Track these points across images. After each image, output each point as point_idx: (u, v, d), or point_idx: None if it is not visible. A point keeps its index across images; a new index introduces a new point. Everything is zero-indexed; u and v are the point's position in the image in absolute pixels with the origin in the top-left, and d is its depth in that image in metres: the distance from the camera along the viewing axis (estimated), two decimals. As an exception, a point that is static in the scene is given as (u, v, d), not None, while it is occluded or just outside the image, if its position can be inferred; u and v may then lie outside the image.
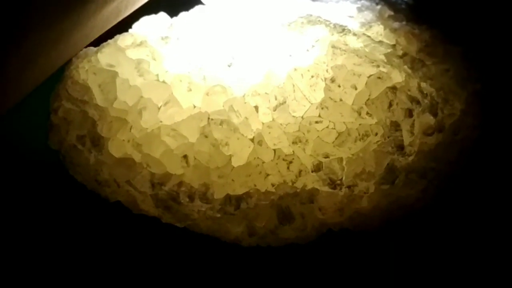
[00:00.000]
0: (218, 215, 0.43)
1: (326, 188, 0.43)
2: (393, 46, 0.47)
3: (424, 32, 0.50)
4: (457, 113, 0.46)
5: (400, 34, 0.49)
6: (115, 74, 0.43)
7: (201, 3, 0.47)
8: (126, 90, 0.43)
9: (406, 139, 0.44)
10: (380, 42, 0.47)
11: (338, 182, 0.43)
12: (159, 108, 0.43)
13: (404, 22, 0.50)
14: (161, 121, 0.43)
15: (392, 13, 0.50)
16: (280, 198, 0.44)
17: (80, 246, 0.56)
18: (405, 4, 0.53)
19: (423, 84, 0.44)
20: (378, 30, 0.48)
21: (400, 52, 0.47)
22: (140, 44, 0.44)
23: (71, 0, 0.34)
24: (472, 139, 0.48)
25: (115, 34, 0.45)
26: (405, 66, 0.45)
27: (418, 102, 0.43)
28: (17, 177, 0.56)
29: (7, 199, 0.56)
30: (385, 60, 0.45)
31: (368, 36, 0.47)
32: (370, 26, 0.48)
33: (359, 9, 0.50)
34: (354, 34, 0.46)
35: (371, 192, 0.45)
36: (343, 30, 0.45)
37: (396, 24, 0.50)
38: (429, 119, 0.44)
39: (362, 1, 0.51)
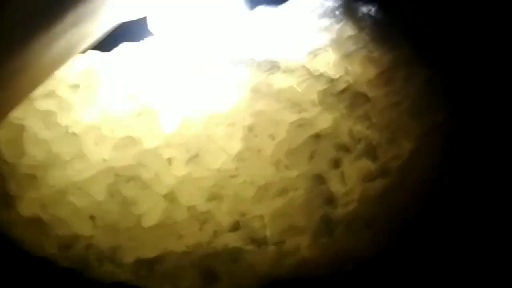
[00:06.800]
0: (132, 279, 0.40)
1: (250, 247, 0.39)
2: (335, 80, 0.42)
3: (385, 55, 0.45)
4: (404, 154, 0.41)
5: (353, 60, 0.44)
6: (22, 128, 0.40)
7: (125, 40, 0.44)
8: (35, 144, 0.40)
9: (339, 189, 0.39)
10: (319, 76, 0.42)
11: (262, 240, 0.39)
12: (67, 163, 0.40)
13: (362, 45, 0.45)
14: (69, 178, 0.40)
15: (352, 33, 0.45)
16: (201, 258, 0.40)
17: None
18: (372, 20, 0.48)
19: (357, 127, 0.39)
20: (325, 58, 0.43)
21: (342, 86, 0.42)
22: (49, 94, 0.41)
23: (13, 43, 0.32)
24: (428, 180, 0.43)
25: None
26: (341, 105, 0.40)
27: (347, 150, 0.38)
28: None
29: None
30: (316, 101, 0.40)
31: (307, 69, 0.42)
32: (316, 55, 0.44)
33: (318, 30, 0.46)
34: (285, 71, 0.41)
35: (309, 244, 0.41)
36: (271, 67, 0.41)
37: (352, 48, 0.45)
38: (367, 165, 0.39)
39: (325, 19, 0.47)
